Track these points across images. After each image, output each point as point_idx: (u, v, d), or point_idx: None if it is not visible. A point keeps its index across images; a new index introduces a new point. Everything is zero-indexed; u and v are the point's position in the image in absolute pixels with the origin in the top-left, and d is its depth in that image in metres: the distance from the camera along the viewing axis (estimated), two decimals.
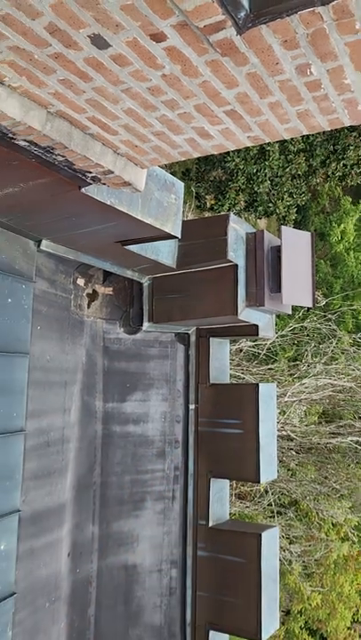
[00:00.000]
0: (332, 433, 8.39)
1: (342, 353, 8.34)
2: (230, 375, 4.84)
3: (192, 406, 4.06)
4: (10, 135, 1.77)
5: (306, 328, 8.41)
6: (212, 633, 3.63)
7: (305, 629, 11.58)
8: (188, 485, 3.96)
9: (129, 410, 3.91)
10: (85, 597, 3.45)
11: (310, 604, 10.43)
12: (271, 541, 3.69)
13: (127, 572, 3.72)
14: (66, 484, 3.39)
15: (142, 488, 3.86)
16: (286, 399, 7.32)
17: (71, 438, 3.48)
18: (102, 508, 3.64)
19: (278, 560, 3.72)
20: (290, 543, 8.85)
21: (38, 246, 2.88)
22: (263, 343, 7.92)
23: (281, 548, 8.39)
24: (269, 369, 8.05)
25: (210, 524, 3.82)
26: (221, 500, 4.02)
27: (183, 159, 1.98)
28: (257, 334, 3.95)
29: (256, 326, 3.86)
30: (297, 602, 10.49)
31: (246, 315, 3.64)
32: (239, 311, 3.55)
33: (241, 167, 8.34)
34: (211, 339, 4.10)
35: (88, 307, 3.65)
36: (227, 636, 3.79)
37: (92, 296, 3.67)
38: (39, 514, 3.12)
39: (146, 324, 3.80)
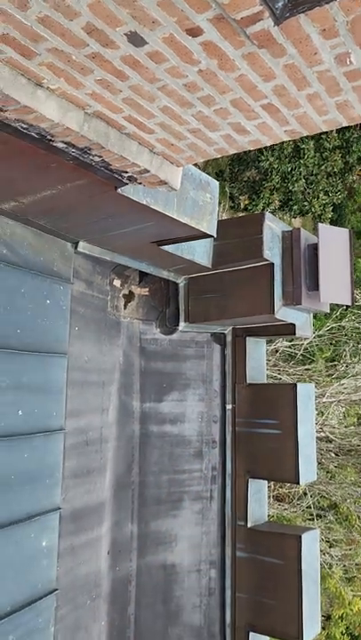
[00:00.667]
0: None
1: None
2: (267, 376, 4.80)
3: (229, 406, 4.04)
4: (48, 137, 1.80)
5: (344, 327, 8.24)
6: (252, 635, 3.59)
7: (346, 634, 11.34)
8: (225, 485, 3.94)
9: (166, 410, 3.92)
10: (125, 596, 3.47)
11: (352, 610, 10.20)
12: (312, 543, 3.63)
13: (166, 572, 3.72)
14: (105, 483, 3.42)
15: (180, 488, 3.85)
16: (325, 400, 7.20)
17: (109, 438, 3.51)
18: (141, 508, 3.65)
19: (319, 563, 3.66)
20: (330, 547, 8.68)
21: (75, 248, 2.92)
22: (300, 343, 7.81)
23: (321, 551, 8.25)
24: (307, 369, 7.93)
25: (248, 525, 3.78)
26: (260, 501, 3.98)
27: (219, 156, 1.97)
28: (294, 333, 3.90)
29: (293, 325, 3.81)
30: (338, 607, 10.28)
31: (283, 314, 3.60)
32: (276, 310, 3.51)
33: (275, 166, 8.26)
34: (247, 338, 4.07)
35: (125, 307, 3.68)
36: (267, 638, 3.74)
37: (129, 297, 3.70)
38: (79, 512, 3.15)
39: (182, 325, 3.80)
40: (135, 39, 1.39)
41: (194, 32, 1.36)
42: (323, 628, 11.52)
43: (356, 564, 9.69)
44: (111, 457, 3.49)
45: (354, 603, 9.93)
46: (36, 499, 2.48)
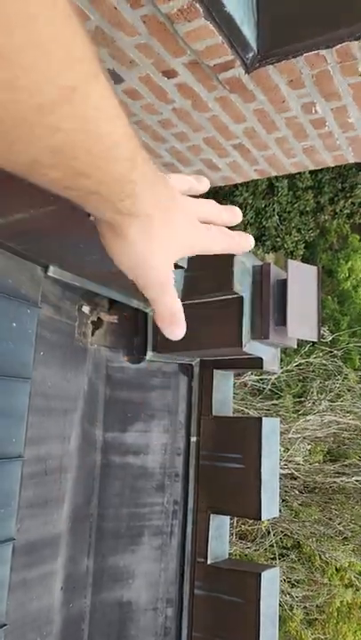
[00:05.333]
0: (337, 472, 8.23)
1: (348, 390, 8.27)
2: (234, 410, 4.79)
3: (193, 439, 4.01)
4: None
5: (312, 364, 8.36)
6: None
7: None
8: (187, 521, 3.88)
9: (129, 440, 3.87)
10: (77, 634, 3.34)
11: None
12: (271, 581, 3.58)
13: (121, 609, 3.61)
14: (62, 515, 3.32)
15: (140, 522, 3.78)
16: (290, 435, 7.22)
17: (69, 467, 3.43)
18: (98, 541, 3.56)
19: (278, 602, 3.60)
20: (291, 587, 8.57)
21: (45, 272, 2.91)
22: (268, 378, 7.87)
23: (282, 591, 8.12)
24: (274, 404, 7.97)
25: (208, 562, 3.72)
26: (221, 538, 3.92)
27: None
28: (262, 367, 3.92)
29: (261, 359, 3.84)
30: None
31: (251, 347, 3.63)
32: (244, 343, 3.54)
33: (250, 202, 8.46)
34: (215, 371, 4.08)
35: (92, 334, 3.66)
36: None
37: (97, 324, 3.68)
38: (34, 544, 3.05)
39: (149, 354, 3.79)
40: (114, 76, 1.44)
41: (169, 74, 1.41)
42: None
43: (318, 607, 9.57)
44: (70, 487, 3.41)
45: None
46: None
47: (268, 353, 4.06)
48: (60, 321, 3.35)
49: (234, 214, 0.74)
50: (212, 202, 0.73)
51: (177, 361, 4.12)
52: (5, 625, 2.40)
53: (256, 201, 8.47)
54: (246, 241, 0.78)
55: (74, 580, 3.43)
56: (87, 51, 0.41)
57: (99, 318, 3.73)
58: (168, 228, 0.60)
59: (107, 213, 0.54)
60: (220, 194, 8.75)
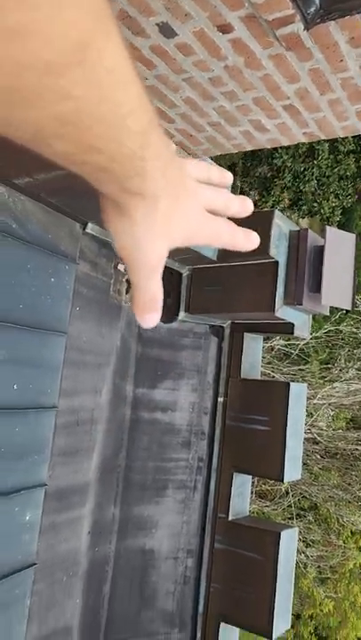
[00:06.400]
0: (359, 440, 8.27)
1: None
2: (261, 373, 4.83)
3: (221, 399, 4.07)
4: None
5: (341, 332, 8.29)
6: (222, 625, 3.65)
7: (314, 635, 11.52)
8: (210, 477, 3.98)
9: (158, 397, 3.95)
10: (102, 576, 3.52)
11: (322, 610, 10.35)
12: (290, 541, 3.68)
13: (144, 556, 3.77)
14: (91, 465, 3.45)
15: (165, 476, 3.89)
16: (315, 402, 7.25)
17: (100, 420, 3.53)
18: (125, 492, 3.70)
19: (294, 562, 3.72)
20: (306, 547, 8.79)
21: (84, 229, 2.93)
22: (296, 343, 7.85)
23: (297, 550, 8.36)
24: (300, 369, 7.98)
25: (229, 518, 3.83)
26: (242, 495, 4.03)
27: (235, 151, 1.99)
28: (292, 333, 3.92)
29: (292, 325, 3.83)
30: (309, 606, 10.44)
31: (283, 313, 3.62)
32: (276, 308, 3.53)
33: (288, 165, 8.24)
34: (245, 334, 4.09)
35: (126, 292, 3.69)
36: (237, 629, 3.81)
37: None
38: (64, 490, 3.19)
39: (182, 314, 3.82)
40: (166, 30, 1.40)
41: (224, 28, 1.37)
42: (291, 627, 11.71)
43: (331, 567, 9.81)
44: (100, 439, 3.52)
45: (325, 604, 10.07)
46: (23, 473, 2.51)
47: (299, 319, 4.04)
48: (96, 278, 3.39)
49: (244, 207, 0.70)
50: (223, 191, 0.69)
51: (208, 322, 4.14)
52: (35, 564, 2.55)
53: (295, 164, 8.24)
54: (251, 240, 0.69)
55: (100, 526, 3.59)
56: (101, 3, 0.38)
57: None
58: (174, 215, 0.57)
59: (112, 190, 0.51)
60: (259, 156, 8.54)
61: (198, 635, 3.68)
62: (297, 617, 11.15)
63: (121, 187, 0.50)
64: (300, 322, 4.13)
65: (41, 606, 3.04)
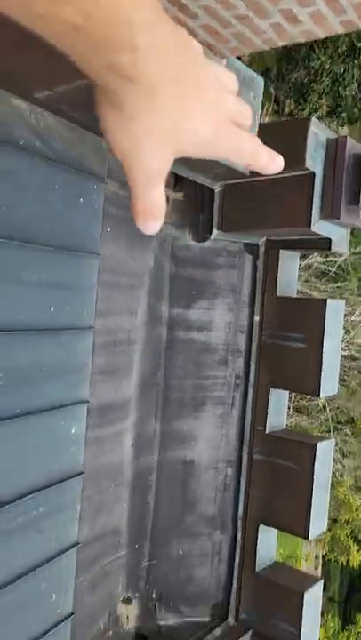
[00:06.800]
0: None
1: None
2: (297, 291, 4.76)
3: (257, 317, 4.06)
4: None
5: None
6: (261, 527, 3.85)
7: (351, 537, 12.12)
8: (247, 393, 4.06)
9: (194, 317, 3.97)
10: (146, 485, 3.72)
11: (358, 515, 10.81)
12: (326, 452, 3.78)
13: (185, 467, 3.95)
14: (130, 382, 3.56)
15: (203, 393, 3.99)
16: (353, 318, 7.16)
17: (137, 340, 3.60)
18: (164, 407, 3.82)
19: (331, 471, 3.83)
20: (343, 457, 9.05)
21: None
22: (334, 260, 7.66)
23: (334, 460, 8.64)
24: (338, 287, 7.83)
25: (267, 431, 3.94)
26: (279, 410, 4.11)
27: (266, 48, 1.83)
28: (329, 249, 3.80)
29: (329, 240, 3.71)
30: (345, 511, 10.90)
31: (320, 227, 3.50)
32: (313, 222, 3.41)
33: (327, 67, 7.66)
34: (281, 251, 3.99)
35: None
36: (275, 531, 4.02)
37: None
38: (105, 406, 3.31)
39: (215, 232, 3.74)
40: None
41: None
42: (328, 530, 12.31)
43: None
44: (138, 359, 3.60)
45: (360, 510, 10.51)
46: (66, 390, 2.61)
47: (336, 233, 3.91)
48: (126, 197, 3.33)
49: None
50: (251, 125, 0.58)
51: (243, 240, 4.06)
52: (83, 472, 2.71)
53: (334, 65, 7.65)
54: (275, 162, 0.57)
55: (142, 439, 3.78)
56: None
57: (165, 196, 3.68)
58: (182, 113, 0.48)
59: (98, 69, 0.43)
60: (295, 59, 7.94)
61: (238, 536, 3.93)
62: (333, 521, 11.70)
63: (107, 62, 0.42)
64: (338, 237, 3.99)
65: (90, 511, 3.28)
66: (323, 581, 3.87)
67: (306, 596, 3.56)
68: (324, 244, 3.79)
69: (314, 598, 3.70)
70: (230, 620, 3.93)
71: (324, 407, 8.60)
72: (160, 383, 3.75)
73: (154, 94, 0.45)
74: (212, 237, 3.70)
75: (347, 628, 10.61)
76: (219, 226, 3.74)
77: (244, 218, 3.62)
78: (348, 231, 4.06)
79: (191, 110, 0.49)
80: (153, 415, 3.73)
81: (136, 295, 3.52)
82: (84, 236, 2.75)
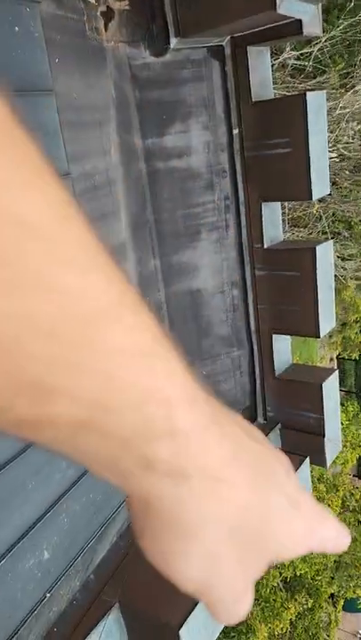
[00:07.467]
0: None
1: None
2: (275, 94, 4.43)
3: (236, 131, 3.84)
4: None
5: (359, 24, 7.21)
6: (275, 336, 4.07)
7: (359, 333, 12.84)
8: (240, 213, 4.00)
9: (170, 144, 3.76)
10: (158, 319, 3.85)
11: None
12: (326, 253, 3.83)
13: (193, 296, 4.06)
14: (121, 225, 3.50)
15: (195, 221, 3.95)
16: (338, 112, 6.72)
17: (117, 180, 3.46)
18: (160, 243, 3.81)
19: (333, 270, 3.92)
20: (344, 261, 9.23)
21: None
22: (310, 51, 6.97)
23: (336, 266, 8.82)
24: (318, 82, 7.23)
25: (265, 246, 3.96)
26: (274, 223, 4.09)
27: None
28: (301, 33, 3.43)
29: (299, 22, 3.34)
30: (352, 313, 11.42)
31: (287, 7, 3.12)
32: (278, 3, 3.03)
33: None
34: (248, 48, 3.63)
35: (105, 29, 3.23)
36: (288, 338, 4.24)
37: (108, 14, 3.21)
38: None
39: (173, 41, 3.37)
40: None
41: None
42: (339, 332, 13.02)
43: None
44: (123, 198, 3.50)
45: None
46: None
47: (307, 12, 3.49)
48: (66, 17, 2.93)
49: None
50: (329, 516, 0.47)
51: (205, 44, 3.66)
52: None
53: None
54: (343, 542, 0.46)
55: (145, 278, 3.83)
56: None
57: (108, 7, 3.23)
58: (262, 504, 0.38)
59: (132, 470, 0.32)
60: None
61: (255, 348, 4.17)
62: (343, 324, 12.35)
63: (141, 459, 0.31)
64: (309, 16, 3.57)
65: None
66: (337, 372, 4.19)
67: (324, 385, 3.87)
68: (295, 29, 3.41)
69: (332, 387, 4.03)
70: (260, 419, 4.35)
71: (320, 216, 8.53)
72: (150, 220, 3.68)
73: (218, 485, 0.34)
74: (171, 47, 3.34)
75: None
76: (176, 32, 3.34)
77: (201, 16, 3.22)
78: (320, 8, 3.62)
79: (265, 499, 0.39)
80: (151, 253, 3.74)
81: (105, 132, 3.29)
82: (32, 73, 2.49)
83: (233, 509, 0.35)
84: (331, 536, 0.45)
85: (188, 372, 0.37)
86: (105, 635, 2.19)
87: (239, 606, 0.40)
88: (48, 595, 2.33)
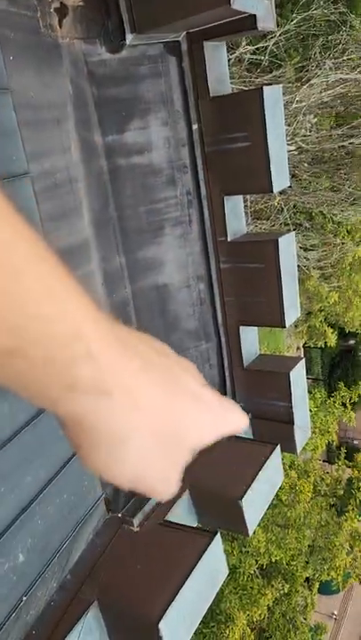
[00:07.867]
0: (346, 135, 7.99)
1: (355, 42, 7.37)
2: (233, 89, 4.47)
3: (195, 126, 3.86)
4: None
5: (312, 18, 7.31)
6: (242, 328, 4.12)
7: (325, 323, 13.15)
8: (202, 207, 4.03)
9: (130, 140, 3.75)
10: (126, 315, 3.86)
11: (328, 302, 11.58)
12: (288, 245, 3.89)
13: (159, 292, 4.07)
14: (84, 222, 3.49)
15: (158, 217, 3.95)
16: (295, 105, 6.80)
17: (78, 177, 3.44)
18: (124, 240, 3.81)
19: (296, 261, 3.99)
20: (306, 251, 9.38)
21: None
22: (265, 45, 7.03)
23: (298, 256, 8.97)
24: (274, 76, 7.30)
25: (229, 239, 4.00)
26: (237, 216, 4.13)
27: None
28: (256, 27, 3.48)
29: (254, 17, 3.38)
30: (316, 302, 11.64)
31: (241, 2, 3.16)
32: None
33: None
34: (205, 43, 3.65)
35: (60, 25, 3.19)
36: (255, 329, 4.30)
37: (62, 11, 3.18)
38: (65, 252, 3.28)
39: (129, 37, 3.36)
40: None
41: None
42: (305, 322, 13.26)
43: (331, 265, 10.63)
44: (84, 196, 3.48)
45: (330, 296, 11.21)
46: None
47: (260, 7, 3.53)
48: (19, 14, 2.88)
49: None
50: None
51: (161, 40, 3.65)
52: None
53: None
54: (244, 422, 0.55)
55: (111, 275, 3.82)
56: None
57: (62, 4, 3.19)
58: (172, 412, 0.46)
59: (61, 395, 0.36)
60: None
61: (223, 340, 4.22)
62: (308, 313, 12.58)
63: (66, 383, 0.36)
64: (263, 11, 3.61)
65: None
66: (304, 361, 4.27)
67: (291, 374, 3.95)
68: (250, 24, 3.45)
69: (299, 375, 4.11)
70: None
71: (282, 208, 8.65)
72: (114, 216, 3.67)
73: (133, 396, 0.39)
74: (127, 43, 3.33)
75: (332, 395, 12.07)
76: (132, 28, 3.33)
77: (156, 11, 3.22)
78: (272, 3, 3.67)
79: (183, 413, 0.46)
80: (115, 250, 3.73)
81: (64, 130, 3.26)
82: None
83: (150, 414, 0.41)
84: (233, 419, 0.53)
85: (95, 306, 0.42)
86: (84, 633, 2.20)
87: (169, 486, 0.48)
88: (25, 598, 2.32)
